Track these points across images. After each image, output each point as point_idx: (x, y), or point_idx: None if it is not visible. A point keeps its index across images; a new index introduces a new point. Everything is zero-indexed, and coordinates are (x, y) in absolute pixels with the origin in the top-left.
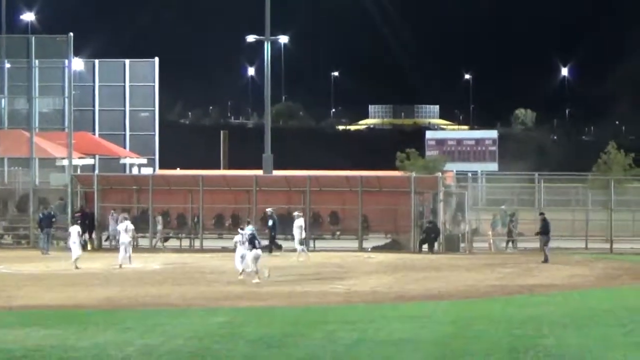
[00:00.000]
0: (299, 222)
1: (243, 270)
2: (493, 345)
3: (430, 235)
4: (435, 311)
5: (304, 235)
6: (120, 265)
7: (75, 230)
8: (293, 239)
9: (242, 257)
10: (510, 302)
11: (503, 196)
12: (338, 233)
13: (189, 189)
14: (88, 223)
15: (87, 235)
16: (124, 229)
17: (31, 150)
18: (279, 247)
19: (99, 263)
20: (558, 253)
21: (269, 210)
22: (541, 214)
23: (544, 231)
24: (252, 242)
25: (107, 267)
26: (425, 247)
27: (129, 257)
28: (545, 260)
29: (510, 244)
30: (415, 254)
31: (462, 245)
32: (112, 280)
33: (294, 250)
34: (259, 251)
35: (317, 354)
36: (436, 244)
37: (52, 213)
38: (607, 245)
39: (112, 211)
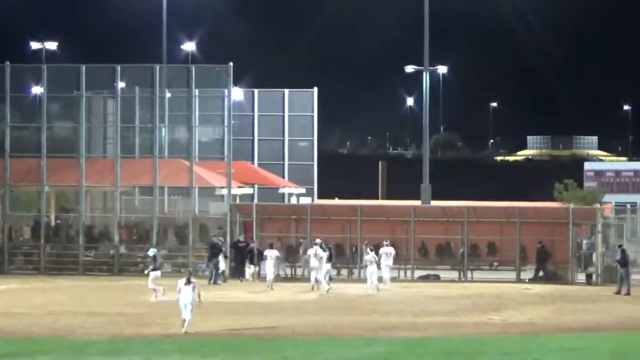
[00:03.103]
0: (322, 253)
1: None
2: None
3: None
4: (593, 343)
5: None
6: (313, 287)
7: (273, 254)
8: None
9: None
10: None
11: None
12: (495, 264)
13: (347, 218)
14: (250, 254)
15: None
16: (314, 253)
17: (191, 179)
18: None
19: (287, 291)
20: None
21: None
22: (619, 245)
23: (624, 263)
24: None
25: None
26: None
27: (318, 283)
28: (628, 293)
29: None
30: (572, 286)
31: None
32: (270, 309)
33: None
34: (157, 272)
35: None
36: (594, 276)
37: (220, 243)
38: None
39: (302, 240)
